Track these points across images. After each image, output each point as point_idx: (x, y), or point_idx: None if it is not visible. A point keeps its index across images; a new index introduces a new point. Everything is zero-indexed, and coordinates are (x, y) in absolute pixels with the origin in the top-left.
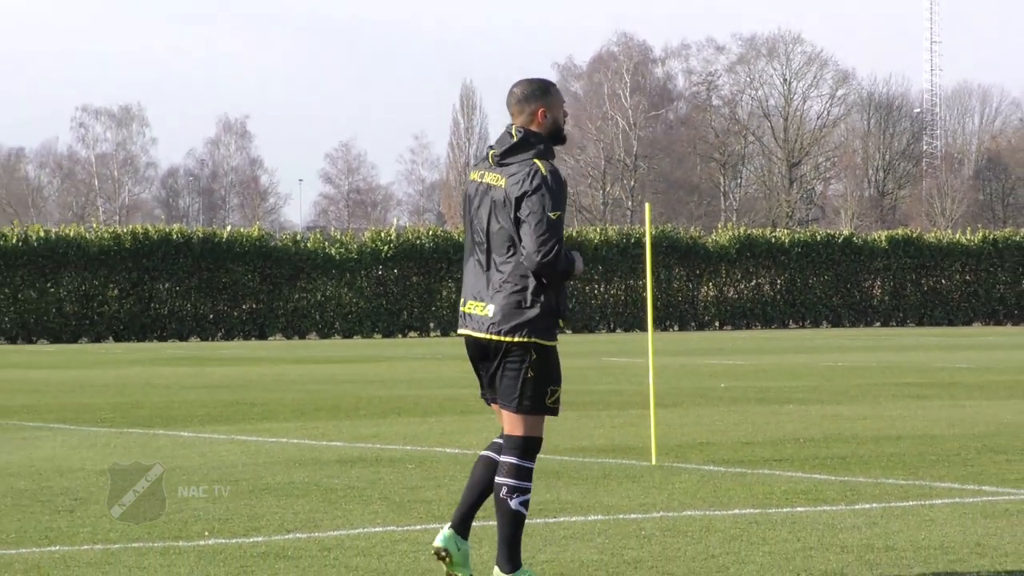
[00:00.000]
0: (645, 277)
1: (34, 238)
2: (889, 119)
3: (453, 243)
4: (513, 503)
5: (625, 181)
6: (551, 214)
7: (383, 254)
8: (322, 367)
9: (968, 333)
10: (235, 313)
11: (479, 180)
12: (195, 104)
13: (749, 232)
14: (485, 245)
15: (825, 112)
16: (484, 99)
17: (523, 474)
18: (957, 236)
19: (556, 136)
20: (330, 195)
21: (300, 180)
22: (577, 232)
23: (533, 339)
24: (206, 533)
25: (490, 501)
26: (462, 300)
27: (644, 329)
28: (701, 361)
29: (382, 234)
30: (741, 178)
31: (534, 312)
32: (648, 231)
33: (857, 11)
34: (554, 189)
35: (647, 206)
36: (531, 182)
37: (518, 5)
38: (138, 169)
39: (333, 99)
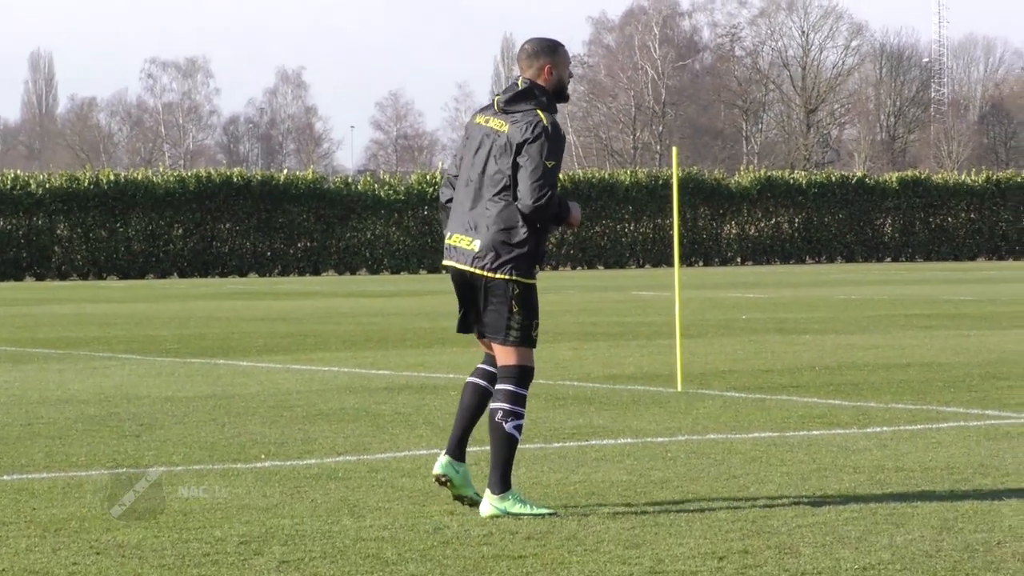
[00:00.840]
0: (672, 216)
1: (105, 182)
2: (899, 68)
3: None
4: (507, 426)
5: (654, 127)
6: (547, 162)
7: (428, 195)
8: (371, 301)
9: (972, 268)
10: (291, 251)
11: (483, 123)
12: (255, 56)
13: (769, 174)
14: (477, 184)
15: (840, 62)
16: None
17: (518, 400)
18: (963, 177)
19: (559, 93)
20: (380, 140)
21: (352, 127)
22: (609, 175)
23: (515, 276)
24: (263, 456)
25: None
26: (448, 233)
27: (671, 265)
28: (724, 295)
29: (427, 177)
30: (762, 124)
31: (518, 251)
32: (675, 173)
33: None
34: (553, 140)
35: (674, 150)
36: (532, 131)
37: None
38: (202, 117)
39: (382, 51)
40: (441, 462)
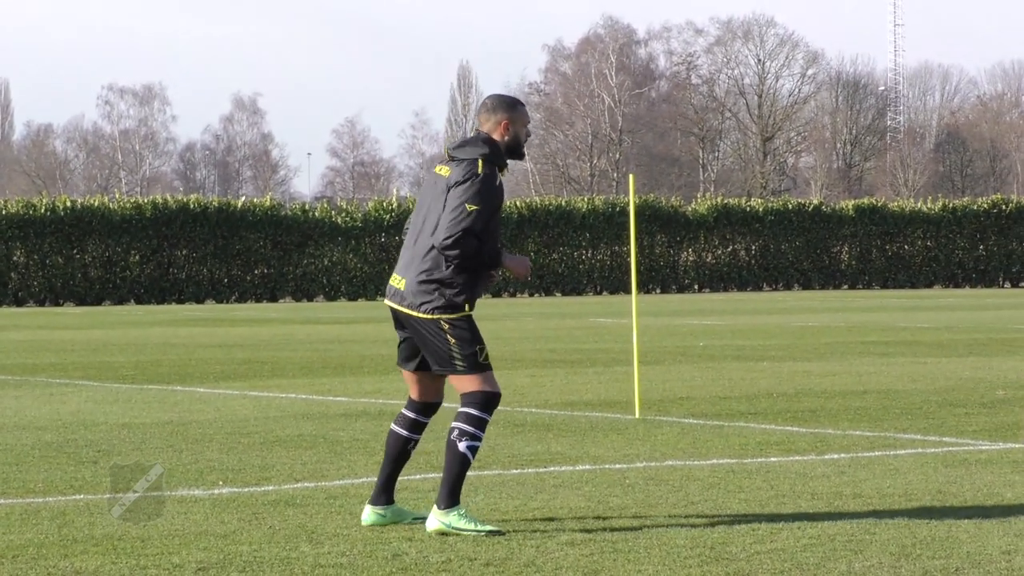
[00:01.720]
0: (629, 243)
1: (61, 208)
2: (856, 96)
3: None
4: (461, 445)
5: (611, 154)
6: (468, 205)
7: (385, 222)
8: (328, 328)
9: (929, 295)
10: (248, 277)
11: (435, 171)
12: (211, 84)
13: (726, 201)
14: (419, 227)
15: (796, 90)
16: (480, 78)
17: (476, 423)
18: (919, 205)
19: (514, 150)
20: (336, 168)
21: (309, 154)
22: (566, 202)
23: (438, 315)
24: (220, 482)
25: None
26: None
27: (629, 292)
28: (681, 321)
29: (384, 203)
30: (718, 151)
31: (440, 290)
32: (632, 201)
33: None
34: (483, 186)
35: (631, 177)
36: (464, 174)
37: None
38: (158, 144)
39: (339, 78)
40: (365, 515)
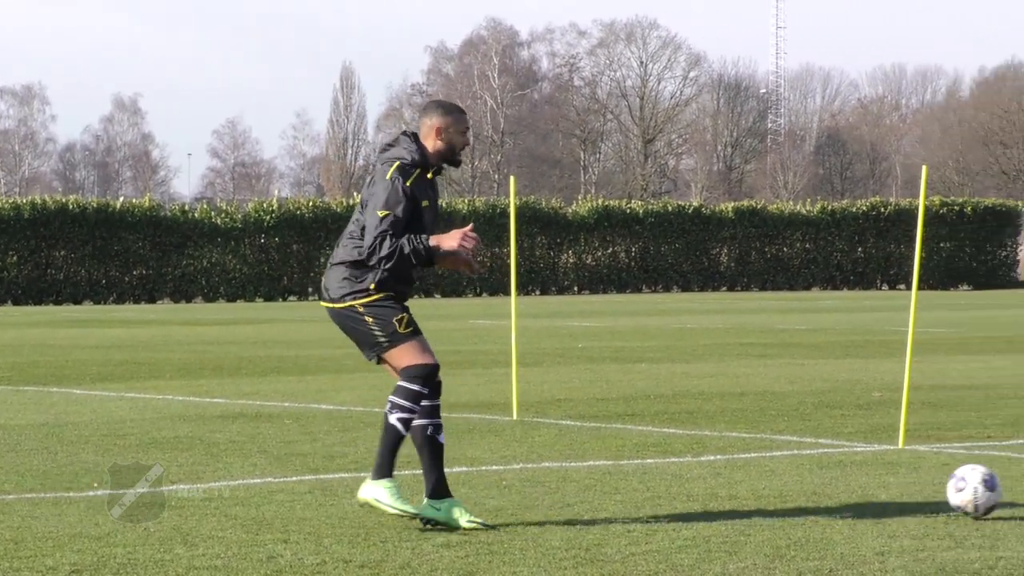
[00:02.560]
0: (510, 245)
1: None
2: (737, 99)
3: (331, 214)
4: (392, 417)
5: (492, 156)
6: (379, 212)
7: (265, 223)
8: (207, 329)
9: (807, 297)
10: (126, 278)
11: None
12: (91, 83)
13: (607, 203)
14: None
15: (678, 92)
16: (362, 79)
17: (407, 395)
18: (798, 207)
19: (447, 156)
20: (217, 168)
21: (189, 154)
22: (447, 204)
23: (349, 301)
24: (95, 485)
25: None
26: None
27: (508, 293)
28: (561, 323)
29: (264, 205)
30: (600, 153)
31: (357, 285)
32: (512, 202)
33: None
34: (391, 189)
35: (512, 179)
36: (379, 176)
37: None
38: (38, 144)
39: (221, 79)
40: (362, 491)
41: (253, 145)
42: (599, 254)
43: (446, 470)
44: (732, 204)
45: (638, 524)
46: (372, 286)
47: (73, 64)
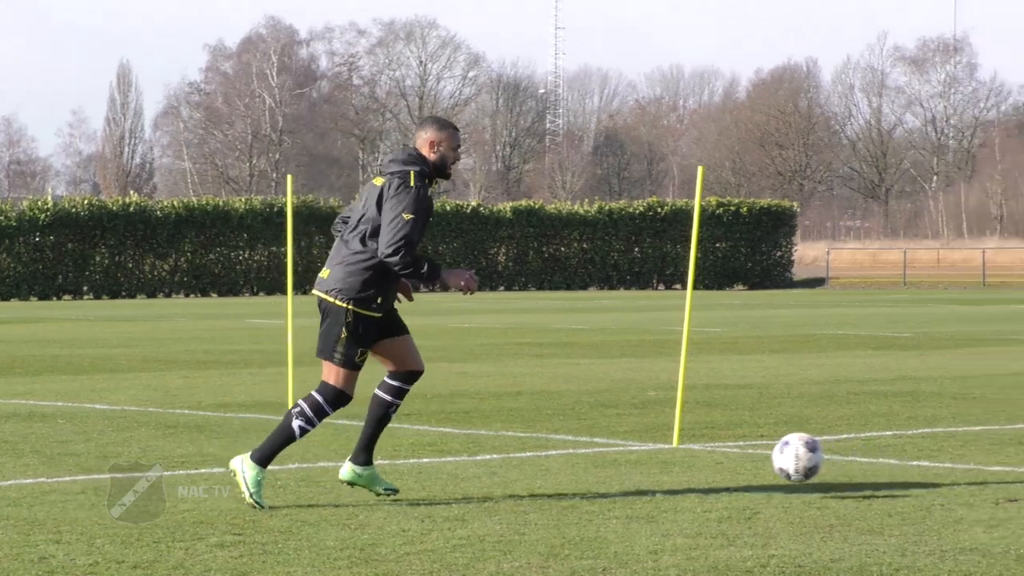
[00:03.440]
0: (287, 244)
1: None
2: (516, 99)
3: (107, 212)
4: (295, 423)
5: (271, 155)
6: (404, 214)
7: (40, 222)
8: None
9: (584, 297)
10: None
11: (372, 182)
12: None
13: None
14: (352, 226)
15: (457, 92)
16: (140, 77)
17: (316, 410)
18: (575, 207)
19: (439, 169)
20: None
21: None
22: (224, 202)
23: (350, 305)
24: None
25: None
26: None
27: (285, 292)
28: None
29: (39, 203)
30: (379, 152)
31: (355, 282)
32: (290, 201)
33: None
34: (415, 196)
35: (289, 178)
36: (398, 186)
37: None
38: None
39: None
40: (344, 471)
41: (29, 143)
42: None
43: (223, 470)
44: (510, 204)
45: (413, 523)
46: (372, 299)
47: None
